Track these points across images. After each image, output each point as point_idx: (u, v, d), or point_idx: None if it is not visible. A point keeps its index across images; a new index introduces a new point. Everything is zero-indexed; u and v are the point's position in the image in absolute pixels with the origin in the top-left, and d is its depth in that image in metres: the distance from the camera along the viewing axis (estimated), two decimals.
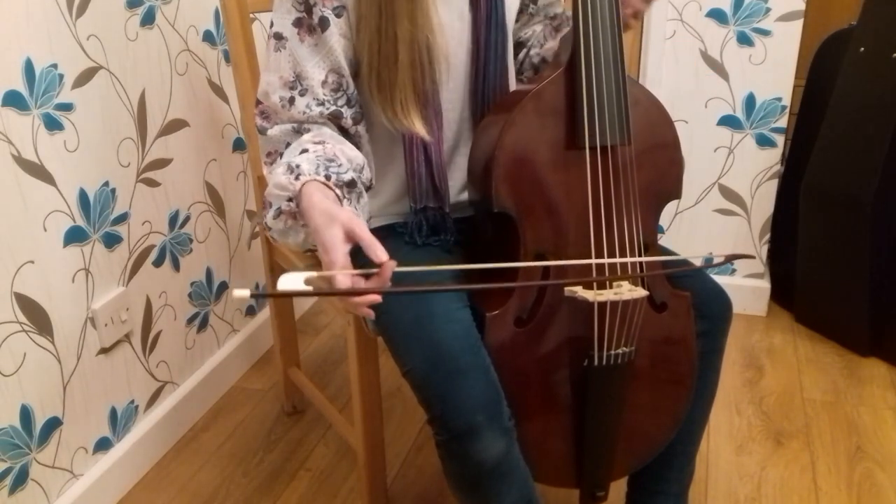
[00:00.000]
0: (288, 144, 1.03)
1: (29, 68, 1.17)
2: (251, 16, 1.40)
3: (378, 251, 0.79)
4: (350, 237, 0.82)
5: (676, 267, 1.08)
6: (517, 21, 1.23)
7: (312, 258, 1.38)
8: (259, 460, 1.54)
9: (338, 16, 1.01)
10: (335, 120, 1.04)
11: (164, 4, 1.46)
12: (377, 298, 0.81)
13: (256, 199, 1.51)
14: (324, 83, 1.03)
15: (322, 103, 1.03)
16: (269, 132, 1.05)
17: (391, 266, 0.79)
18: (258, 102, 1.06)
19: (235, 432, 1.63)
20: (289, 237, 0.98)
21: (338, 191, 0.92)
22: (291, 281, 0.74)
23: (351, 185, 0.94)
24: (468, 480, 0.97)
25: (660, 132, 1.03)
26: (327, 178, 0.92)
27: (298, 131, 1.03)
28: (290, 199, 0.92)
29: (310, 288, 0.75)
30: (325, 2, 1.00)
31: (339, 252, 0.81)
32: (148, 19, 1.42)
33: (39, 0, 1.18)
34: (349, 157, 0.99)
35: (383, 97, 1.02)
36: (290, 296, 0.82)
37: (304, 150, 0.97)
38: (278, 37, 1.02)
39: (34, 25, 1.18)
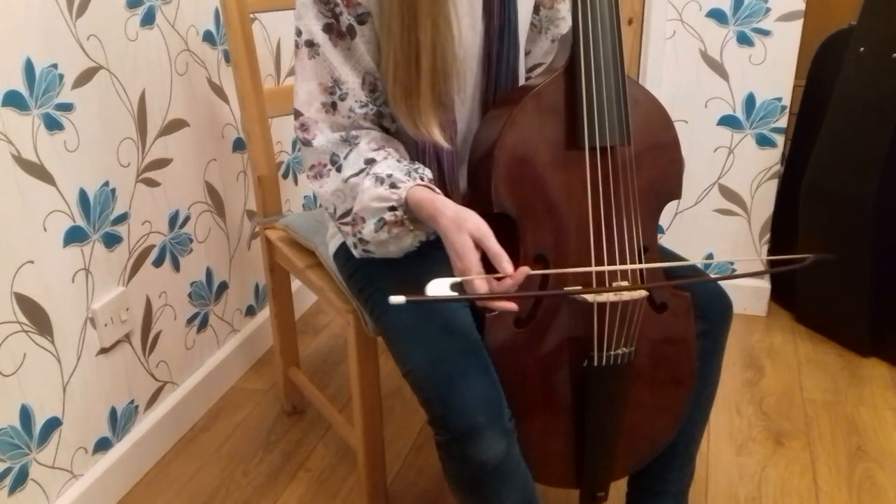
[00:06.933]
0: (334, 155, 1.04)
1: (29, 68, 1.17)
2: (251, 16, 1.40)
3: (504, 263, 0.85)
4: (478, 244, 0.87)
5: (678, 275, 1.07)
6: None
7: (311, 257, 1.38)
8: (259, 460, 1.54)
9: (361, 22, 1.01)
10: (378, 120, 1.06)
11: (164, 4, 1.46)
12: (513, 307, 0.87)
13: (256, 199, 1.51)
14: (362, 85, 1.03)
15: (365, 104, 1.04)
16: (315, 143, 1.05)
17: (525, 271, 0.85)
18: (297, 115, 1.06)
19: (235, 432, 1.63)
20: (390, 246, 1.02)
21: (437, 190, 0.96)
22: (439, 287, 0.82)
23: (431, 181, 0.99)
24: (468, 481, 0.97)
25: (659, 132, 1.03)
26: (421, 179, 0.97)
27: (346, 140, 1.04)
28: (391, 209, 0.96)
29: (456, 294, 0.82)
30: (348, 9, 0.99)
31: (472, 260, 0.87)
32: (148, 19, 1.42)
33: (39, 0, 1.18)
34: (402, 156, 1.04)
35: (408, 106, 1.01)
36: (441, 301, 0.90)
37: (372, 160, 1.00)
38: (310, 44, 1.02)
39: (34, 25, 1.17)
